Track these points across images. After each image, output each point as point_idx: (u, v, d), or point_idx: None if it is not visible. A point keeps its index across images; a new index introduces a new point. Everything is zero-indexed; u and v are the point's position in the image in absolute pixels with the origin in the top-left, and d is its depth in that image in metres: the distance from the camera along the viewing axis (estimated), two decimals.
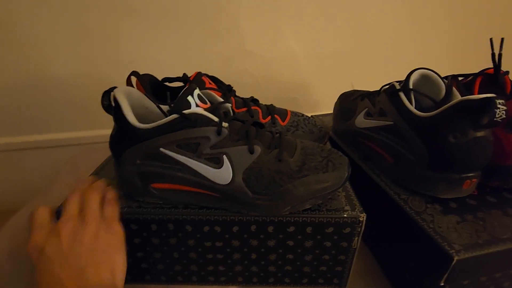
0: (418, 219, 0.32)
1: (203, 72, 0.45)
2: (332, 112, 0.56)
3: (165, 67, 0.63)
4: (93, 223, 0.29)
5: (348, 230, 0.32)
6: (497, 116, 0.28)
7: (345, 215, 0.32)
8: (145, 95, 0.34)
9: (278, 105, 0.49)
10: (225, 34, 0.64)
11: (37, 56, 0.61)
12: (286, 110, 0.46)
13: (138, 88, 0.39)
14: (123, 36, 0.61)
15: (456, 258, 0.27)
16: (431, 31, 0.74)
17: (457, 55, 0.76)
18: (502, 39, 0.33)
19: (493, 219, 0.32)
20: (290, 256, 0.35)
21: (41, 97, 0.64)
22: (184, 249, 0.35)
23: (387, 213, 0.37)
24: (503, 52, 0.34)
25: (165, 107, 0.34)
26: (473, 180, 0.32)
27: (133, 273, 0.38)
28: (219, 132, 0.30)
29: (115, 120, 0.32)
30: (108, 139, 0.34)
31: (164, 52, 0.64)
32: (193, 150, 0.30)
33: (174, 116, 0.29)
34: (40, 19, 0.57)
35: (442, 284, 0.29)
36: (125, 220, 0.33)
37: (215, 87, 0.42)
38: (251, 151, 0.30)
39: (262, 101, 0.49)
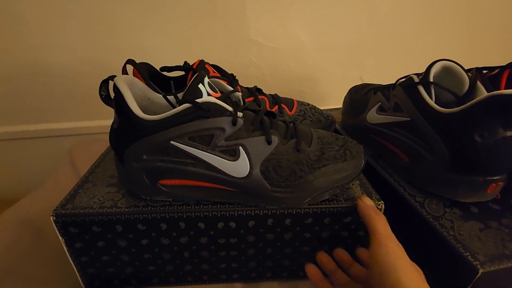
0: (437, 225, 0.29)
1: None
2: (339, 106, 0.53)
3: (165, 56, 0.60)
4: None
5: None
6: None
7: None
8: (147, 85, 0.32)
9: None
10: (229, 22, 0.61)
11: (33, 42, 0.56)
12: (292, 100, 0.45)
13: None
14: (123, 23, 0.57)
15: (481, 270, 0.24)
16: (449, 21, 0.68)
17: (479, 47, 0.70)
18: None
19: None
20: (306, 248, 0.34)
21: (38, 85, 0.60)
22: (196, 247, 0.33)
23: (401, 216, 0.33)
24: None
25: (170, 98, 0.31)
26: (499, 183, 0.29)
27: (140, 277, 0.35)
28: (234, 123, 0.28)
29: (118, 112, 0.29)
30: (107, 130, 0.31)
31: (165, 40, 0.60)
32: (206, 142, 0.28)
33: (186, 105, 0.27)
34: (36, 4, 0.53)
35: None
36: (132, 221, 0.30)
37: (220, 75, 0.39)
38: (269, 142, 0.29)
39: (267, 93, 0.46)
